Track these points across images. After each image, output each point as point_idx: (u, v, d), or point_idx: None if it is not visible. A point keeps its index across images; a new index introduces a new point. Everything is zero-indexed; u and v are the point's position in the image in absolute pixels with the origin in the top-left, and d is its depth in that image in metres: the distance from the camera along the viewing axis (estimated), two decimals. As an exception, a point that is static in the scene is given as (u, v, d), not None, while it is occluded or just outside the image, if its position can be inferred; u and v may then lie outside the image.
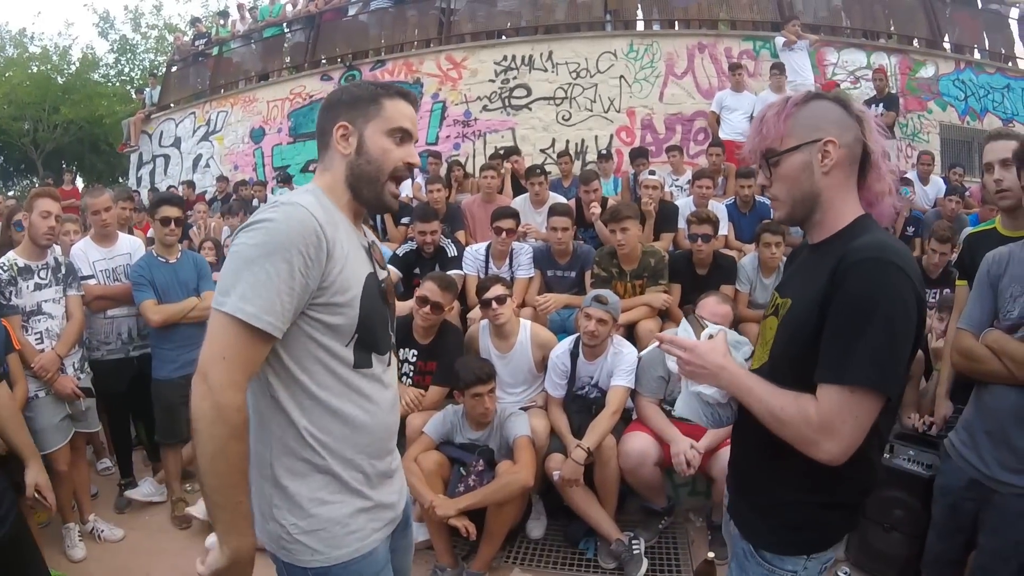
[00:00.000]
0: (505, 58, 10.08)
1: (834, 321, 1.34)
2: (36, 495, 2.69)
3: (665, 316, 4.59)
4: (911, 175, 7.42)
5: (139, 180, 14.00)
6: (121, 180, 14.58)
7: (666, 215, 5.81)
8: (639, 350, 3.90)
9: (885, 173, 1.45)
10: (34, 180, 21.06)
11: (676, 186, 7.58)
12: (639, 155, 7.85)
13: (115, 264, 4.28)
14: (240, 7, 14.63)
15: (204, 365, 1.35)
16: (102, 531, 3.94)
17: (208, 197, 11.05)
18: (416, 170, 10.71)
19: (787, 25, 8.92)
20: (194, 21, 16.38)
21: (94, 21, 28.13)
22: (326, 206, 1.51)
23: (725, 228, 5.93)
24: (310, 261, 1.39)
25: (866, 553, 3.30)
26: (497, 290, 3.91)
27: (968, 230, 4.58)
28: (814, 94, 1.50)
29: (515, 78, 10.00)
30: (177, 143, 13.55)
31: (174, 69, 14.84)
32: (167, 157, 13.73)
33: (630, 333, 4.35)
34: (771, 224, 4.82)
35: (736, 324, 3.95)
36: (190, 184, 11.91)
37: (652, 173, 6.33)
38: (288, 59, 12.57)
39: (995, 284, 2.28)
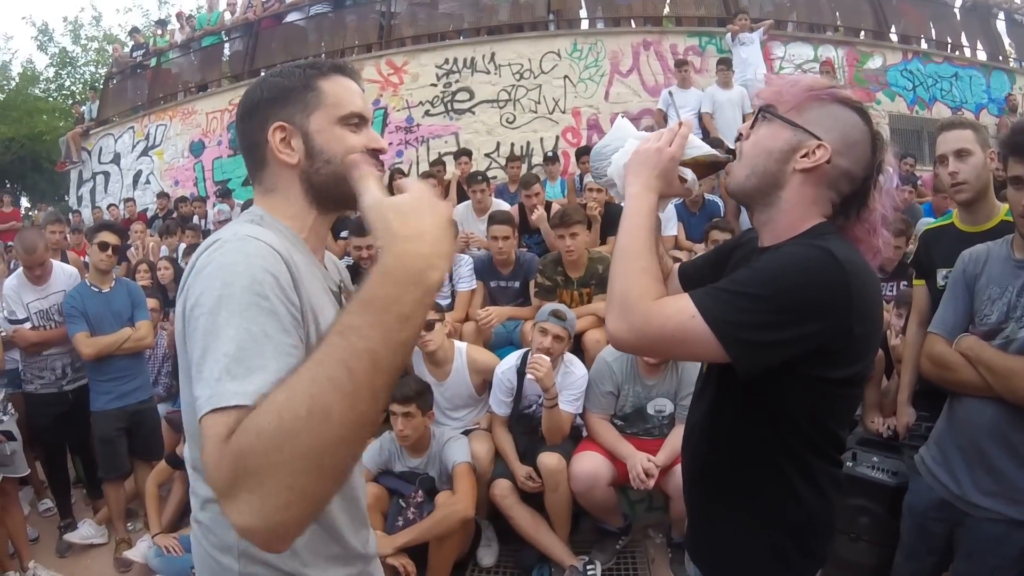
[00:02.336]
0: (447, 61, 9.85)
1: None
2: None
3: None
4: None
5: (79, 199, 13.52)
6: (66, 199, 14.12)
7: (612, 218, 5.50)
8: (586, 361, 3.74)
9: (876, 233, 1.30)
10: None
11: None
12: (585, 153, 7.67)
13: (49, 304, 4.15)
14: (179, 16, 14.23)
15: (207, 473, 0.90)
16: None
17: (149, 215, 10.67)
18: None
19: (736, 19, 8.83)
20: (133, 32, 15.88)
21: (33, 34, 27.32)
22: (279, 237, 1.14)
23: (674, 228, 5.76)
24: (291, 305, 1.03)
25: (835, 563, 3.09)
26: None
27: (924, 224, 4.42)
28: (858, 105, 1.32)
29: (457, 81, 9.79)
30: (117, 159, 13.08)
31: (113, 82, 14.33)
32: (107, 174, 13.24)
33: (577, 344, 4.14)
34: (720, 222, 4.70)
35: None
36: (131, 201, 11.42)
37: None
38: (227, 68, 12.17)
39: (971, 285, 2.08)
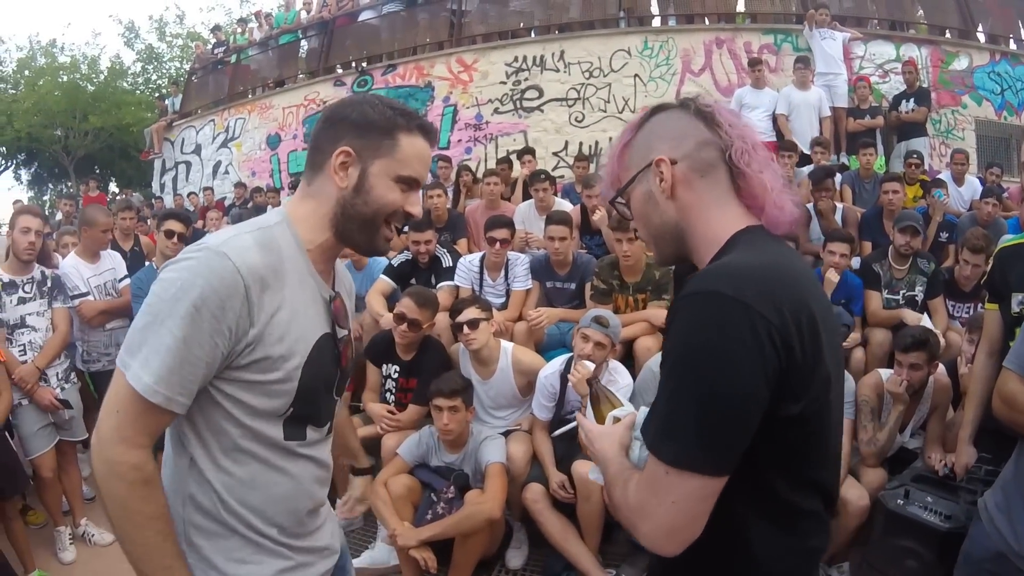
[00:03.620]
0: (516, 59, 9.85)
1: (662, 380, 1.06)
2: None
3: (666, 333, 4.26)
4: (944, 175, 6.99)
5: (162, 186, 14.27)
6: (150, 186, 14.88)
7: None
8: (636, 369, 3.67)
9: (756, 169, 1.15)
10: (67, 185, 21.52)
11: None
12: None
13: (104, 279, 4.48)
14: (258, 14, 14.70)
15: (99, 417, 1.21)
16: (92, 535, 4.02)
17: (227, 203, 11.13)
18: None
19: (815, 14, 8.53)
20: (214, 29, 16.49)
21: (120, 31, 28.62)
22: (279, 247, 1.28)
23: None
24: (227, 329, 1.19)
25: (879, 607, 3.01)
26: (470, 313, 3.65)
27: (1003, 240, 4.23)
28: (653, 109, 1.25)
29: (526, 79, 9.77)
30: (198, 150, 13.70)
31: (195, 77, 14.97)
32: (188, 164, 13.88)
33: (628, 350, 4.10)
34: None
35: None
36: (210, 190, 12.10)
37: None
38: (303, 65, 12.51)
39: None
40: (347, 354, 1.47)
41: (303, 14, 13.05)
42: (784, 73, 8.71)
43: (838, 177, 6.50)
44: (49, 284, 3.94)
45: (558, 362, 3.65)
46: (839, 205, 5.81)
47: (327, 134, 1.32)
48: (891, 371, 3.46)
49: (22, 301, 3.81)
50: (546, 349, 4.36)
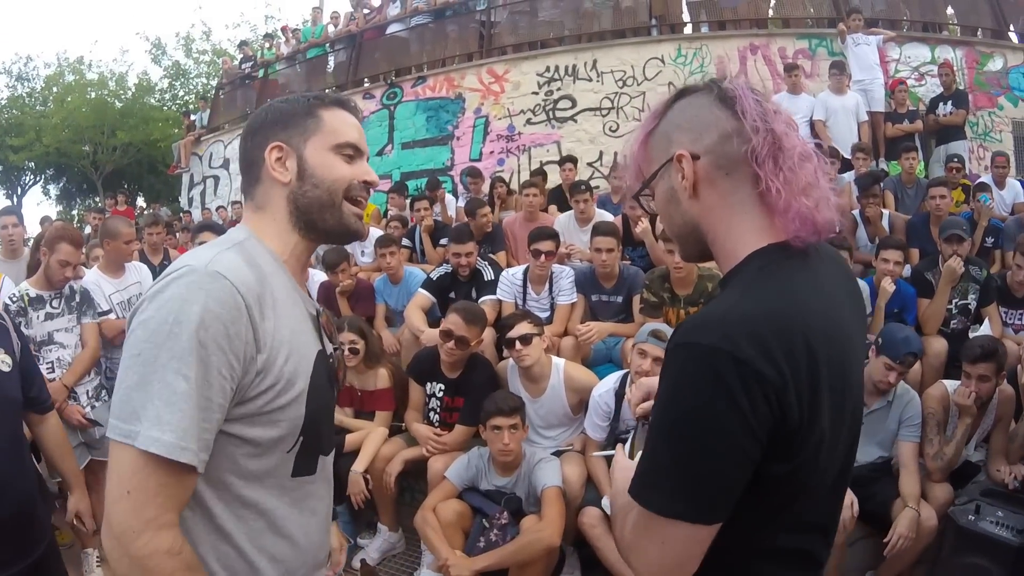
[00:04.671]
0: (548, 69, 9.80)
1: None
2: (76, 520, 2.79)
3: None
4: (986, 179, 6.89)
5: (190, 200, 14.41)
6: (178, 200, 15.07)
7: None
8: None
9: (788, 163, 0.99)
10: (95, 199, 21.83)
11: None
12: None
13: (128, 295, 4.32)
14: (284, 29, 14.83)
15: (106, 512, 1.03)
16: None
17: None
18: (448, 189, 10.27)
19: (847, 19, 8.45)
20: (241, 44, 16.66)
21: (147, 48, 29.10)
22: (260, 262, 1.18)
23: None
24: (235, 361, 1.06)
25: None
26: (522, 328, 3.54)
27: None
28: (677, 93, 1.12)
29: (559, 89, 9.70)
30: (226, 164, 13.81)
31: (222, 92, 15.13)
32: (216, 178, 14.01)
33: None
34: (835, 239, 4.42)
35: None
36: (238, 204, 12.07)
37: None
38: (331, 79, 12.60)
39: None
40: (339, 372, 1.40)
41: (330, 28, 13.14)
42: (820, 78, 8.62)
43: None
44: (78, 299, 3.85)
45: (612, 379, 3.54)
46: (886, 212, 5.73)
47: (253, 143, 1.28)
48: (956, 383, 3.39)
49: (49, 317, 3.72)
50: (592, 364, 4.28)
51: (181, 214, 13.71)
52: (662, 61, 9.36)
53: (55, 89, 23.89)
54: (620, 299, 4.57)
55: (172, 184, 15.10)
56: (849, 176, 6.57)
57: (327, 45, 12.85)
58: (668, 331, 3.35)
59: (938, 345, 4.22)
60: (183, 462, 1.00)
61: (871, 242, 5.40)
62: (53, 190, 27.46)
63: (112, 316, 4.19)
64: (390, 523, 3.92)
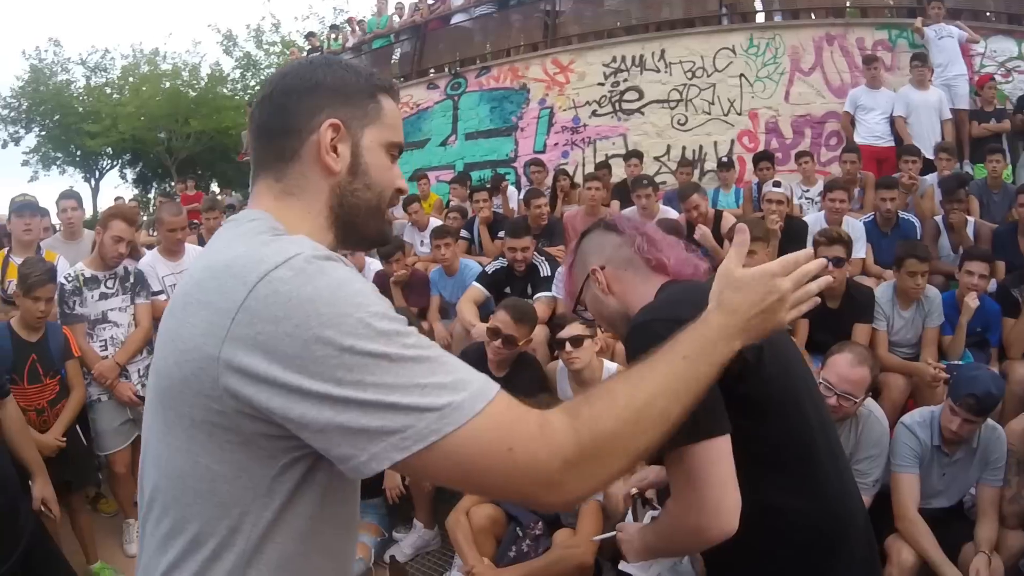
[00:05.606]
0: (614, 59, 9.50)
1: None
2: (43, 507, 2.83)
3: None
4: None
5: (257, 188, 14.70)
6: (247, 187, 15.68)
7: (793, 234, 5.05)
8: None
9: (656, 252, 1.58)
10: (170, 184, 22.70)
11: (807, 198, 6.77)
12: (763, 158, 7.22)
13: (182, 278, 4.35)
14: (350, 20, 15.02)
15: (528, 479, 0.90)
16: None
17: (321, 204, 11.43)
18: (512, 182, 9.73)
19: (928, 6, 7.96)
20: (308, 36, 16.92)
21: (218, 40, 30.10)
22: None
23: (862, 250, 5.07)
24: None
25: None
26: (574, 329, 3.38)
27: None
28: (581, 235, 1.73)
29: (625, 80, 9.40)
30: (293, 153, 14.10)
31: (290, 83, 15.43)
32: (284, 166, 14.31)
33: None
34: (917, 247, 4.12)
35: (874, 381, 3.20)
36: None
37: (777, 185, 5.71)
38: (396, 70, 12.68)
39: None
40: None
41: (395, 19, 13.20)
42: (901, 72, 8.08)
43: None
44: (132, 279, 3.98)
45: None
46: (970, 219, 5.33)
47: (300, 106, 1.02)
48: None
49: (104, 296, 3.86)
50: None
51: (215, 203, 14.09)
52: (733, 51, 8.90)
53: (131, 79, 24.89)
54: (679, 304, 4.42)
55: (244, 171, 15.59)
56: (932, 179, 6.17)
57: (392, 36, 12.92)
58: None
59: (1023, 370, 3.91)
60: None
61: (954, 252, 5.08)
62: (130, 174, 28.78)
63: (163, 297, 4.27)
64: (426, 520, 3.87)
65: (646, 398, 0.91)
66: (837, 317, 3.98)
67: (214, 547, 0.90)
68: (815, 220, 5.37)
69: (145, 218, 11.93)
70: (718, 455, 1.24)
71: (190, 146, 23.26)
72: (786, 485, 1.39)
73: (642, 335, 1.35)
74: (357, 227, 1.07)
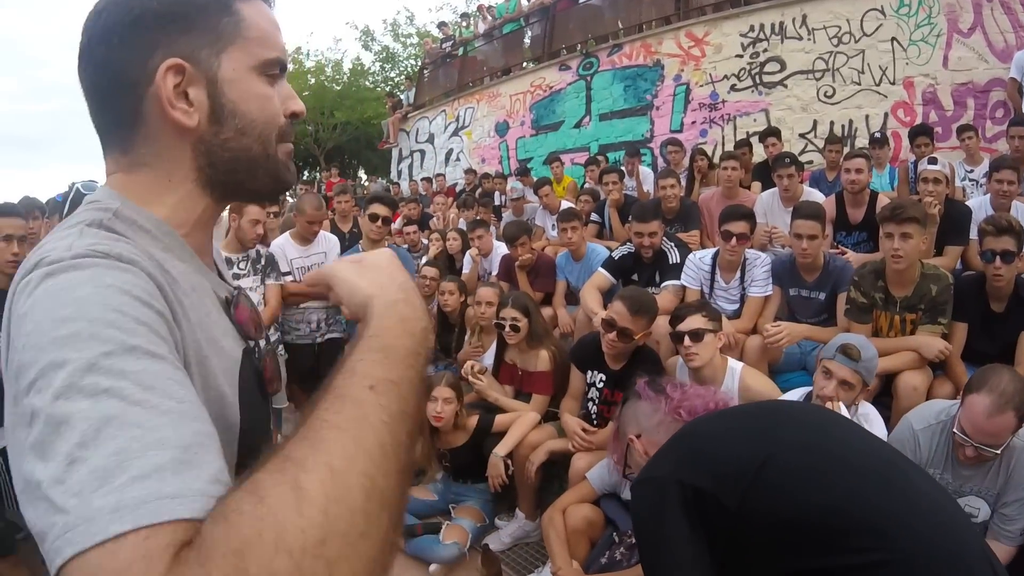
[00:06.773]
0: (752, 28, 9.04)
1: None
2: None
3: (938, 369, 3.27)
4: None
5: (399, 173, 15.69)
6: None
7: (954, 221, 4.39)
8: (895, 414, 3.02)
9: (681, 405, 2.25)
10: (319, 171, 24.24)
11: (971, 179, 5.95)
12: (921, 133, 6.46)
13: (311, 262, 4.62)
14: (480, 8, 15.37)
15: None
16: None
17: (458, 189, 11.87)
18: (647, 163, 9.65)
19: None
20: (440, 25, 17.45)
21: (357, 36, 31.73)
22: (141, 252, 0.71)
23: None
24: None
25: None
26: (693, 322, 3.09)
27: None
28: (622, 402, 2.30)
29: (765, 51, 8.92)
30: (431, 139, 14.76)
31: (426, 71, 16.08)
32: (423, 152, 15.03)
33: (887, 386, 3.29)
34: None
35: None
36: (442, 176, 13.04)
37: (933, 161, 5.14)
38: (528, 53, 12.87)
39: None
40: (271, 376, 0.96)
41: (524, 2, 13.36)
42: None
43: None
44: (263, 262, 4.20)
45: (795, 395, 3.02)
46: None
47: (123, 53, 0.75)
48: None
49: (236, 277, 4.01)
50: (781, 371, 3.75)
51: (391, 185, 14.90)
52: (882, 12, 8.07)
53: (279, 77, 26.73)
54: (823, 296, 3.93)
55: (388, 158, 16.48)
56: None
57: (522, 19, 13.09)
58: (863, 347, 2.75)
59: None
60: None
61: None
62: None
63: (290, 278, 4.47)
64: (528, 511, 3.72)
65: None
66: (1003, 322, 3.37)
67: None
68: (979, 205, 4.75)
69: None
70: None
71: (336, 137, 24.72)
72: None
73: (651, 496, 1.65)
74: (242, 184, 0.85)
